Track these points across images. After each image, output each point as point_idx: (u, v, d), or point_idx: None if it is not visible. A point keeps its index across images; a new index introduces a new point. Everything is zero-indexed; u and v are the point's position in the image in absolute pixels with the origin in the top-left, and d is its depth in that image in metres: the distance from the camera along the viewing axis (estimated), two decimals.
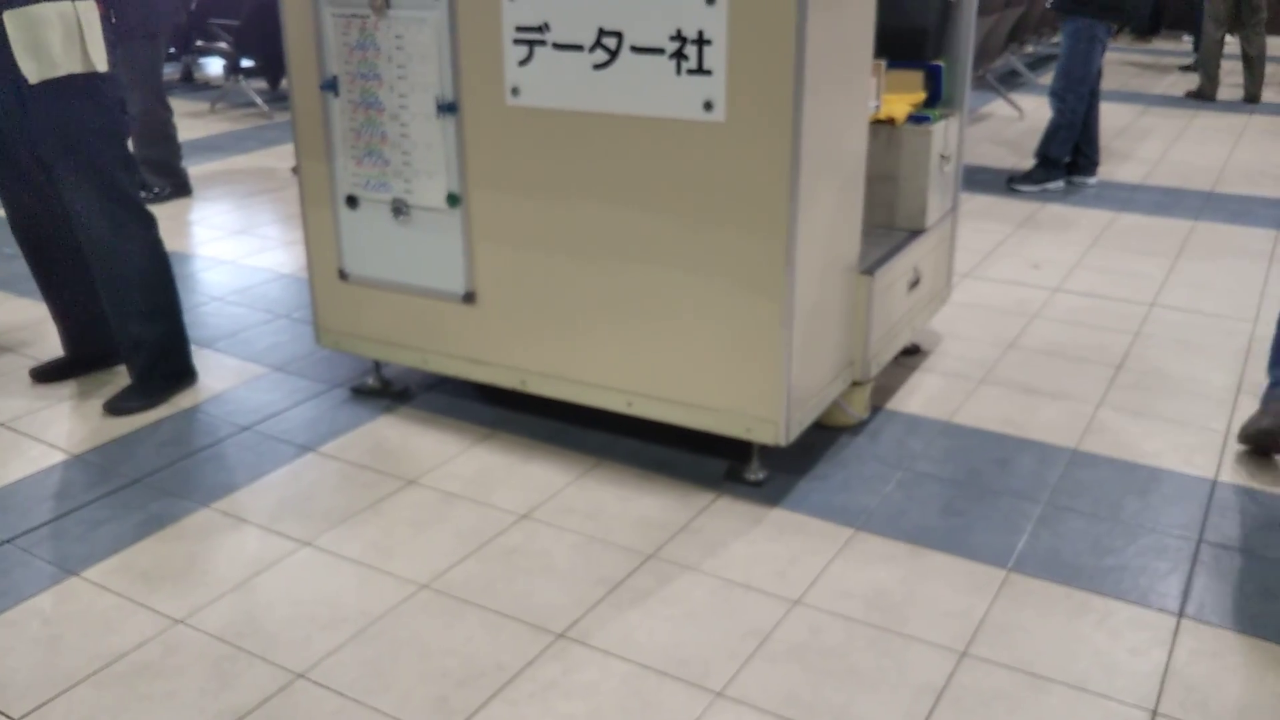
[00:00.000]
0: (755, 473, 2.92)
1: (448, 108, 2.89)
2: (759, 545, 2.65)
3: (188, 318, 4.09)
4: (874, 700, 2.15)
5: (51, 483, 2.97)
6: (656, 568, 2.57)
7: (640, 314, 2.83)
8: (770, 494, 2.87)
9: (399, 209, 3.06)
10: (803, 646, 2.30)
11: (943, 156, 3.35)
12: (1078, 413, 3.29)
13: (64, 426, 3.26)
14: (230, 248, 4.97)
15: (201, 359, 3.71)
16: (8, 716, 2.14)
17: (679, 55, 2.57)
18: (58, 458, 3.09)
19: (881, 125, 3.27)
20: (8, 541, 2.70)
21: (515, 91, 2.79)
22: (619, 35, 2.62)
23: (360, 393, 3.46)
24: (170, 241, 5.02)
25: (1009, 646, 2.29)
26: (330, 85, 3.04)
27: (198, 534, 2.73)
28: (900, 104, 3.28)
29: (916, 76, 3.35)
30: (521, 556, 2.62)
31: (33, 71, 3.04)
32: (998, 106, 7.92)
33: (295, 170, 3.30)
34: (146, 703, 2.17)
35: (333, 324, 3.34)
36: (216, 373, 3.62)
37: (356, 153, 3.07)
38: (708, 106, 2.56)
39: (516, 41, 2.75)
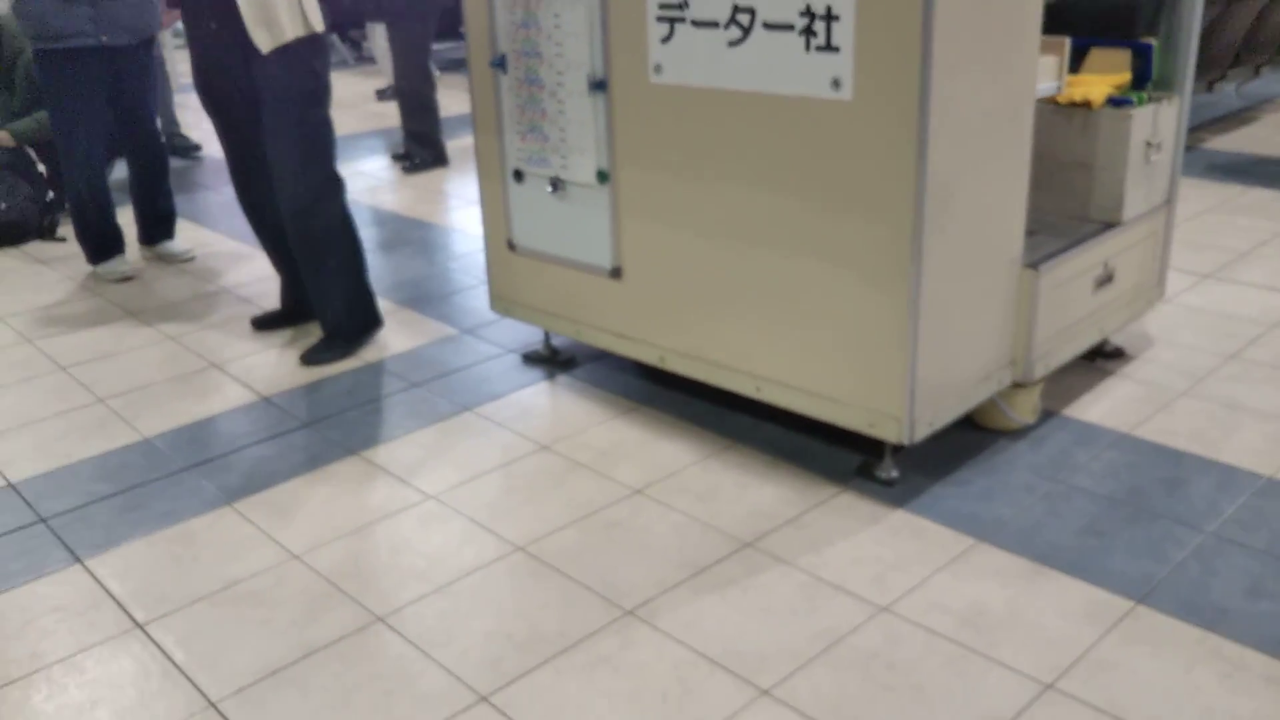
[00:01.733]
0: (887, 470, 2.76)
1: (598, 85, 2.92)
2: (866, 546, 2.52)
3: (407, 277, 4.39)
4: None
5: (238, 420, 3.27)
6: (749, 557, 2.50)
7: (769, 297, 2.74)
8: (898, 494, 2.71)
9: (556, 184, 3.13)
10: (872, 656, 2.17)
11: (1149, 144, 3.01)
12: None
13: (264, 371, 3.58)
14: (465, 217, 5.25)
15: (404, 319, 3.96)
16: (132, 619, 2.40)
17: (808, 31, 2.46)
18: (250, 399, 3.40)
19: (1077, 109, 2.99)
20: (184, 470, 3.01)
21: (658, 69, 2.77)
22: (752, 12, 2.54)
23: (530, 359, 3.57)
24: (415, 208, 5.42)
25: (1105, 686, 2.06)
26: (499, 63, 3.14)
27: (341, 478, 2.92)
28: (1100, 85, 2.97)
29: (1124, 56, 3.03)
30: (621, 531, 2.62)
31: (265, 41, 3.31)
32: None
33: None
34: (244, 626, 2.36)
35: (504, 292, 3.47)
36: (411, 331, 3.85)
37: (521, 128, 3.16)
38: (835, 84, 2.44)
39: (659, 19, 2.73)
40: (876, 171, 2.45)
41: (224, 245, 4.93)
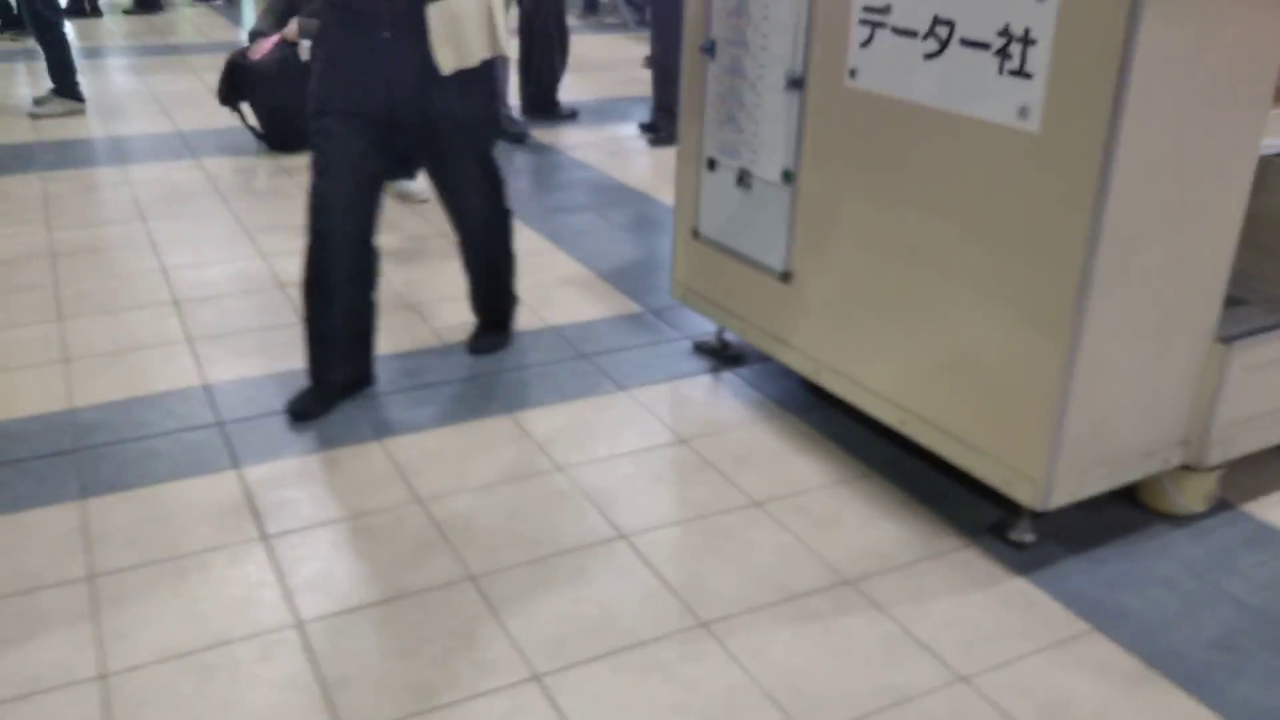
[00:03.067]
0: (1020, 533, 2.59)
1: (796, 83, 2.85)
2: (970, 609, 2.37)
3: (614, 249, 4.48)
4: None
5: (408, 363, 3.44)
6: (844, 595, 2.41)
7: (926, 328, 2.61)
8: (1026, 561, 2.54)
9: (743, 177, 3.09)
10: None
11: None
12: None
13: (452, 320, 3.75)
14: None
15: (596, 289, 4.04)
16: (261, 531, 2.59)
17: (1003, 53, 2.30)
18: (430, 343, 3.57)
19: None
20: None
21: (853, 73, 2.68)
22: (951, 25, 2.41)
23: (701, 350, 3.56)
24: (645, 181, 5.49)
25: None
26: (709, 48, 3.12)
27: (484, 435, 3.03)
28: None
29: None
30: (725, 540, 2.59)
31: (449, 61, 3.02)
32: None
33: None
34: (355, 557, 2.50)
35: (684, 278, 3.47)
36: (597, 303, 3.92)
37: (720, 117, 3.13)
38: (1023, 113, 2.28)
39: (862, 22, 2.63)
40: (1052, 212, 2.27)
41: None
